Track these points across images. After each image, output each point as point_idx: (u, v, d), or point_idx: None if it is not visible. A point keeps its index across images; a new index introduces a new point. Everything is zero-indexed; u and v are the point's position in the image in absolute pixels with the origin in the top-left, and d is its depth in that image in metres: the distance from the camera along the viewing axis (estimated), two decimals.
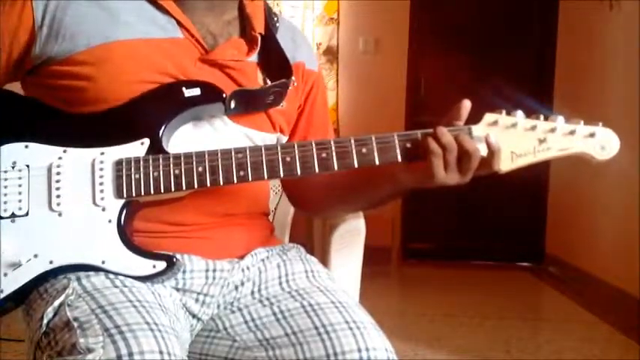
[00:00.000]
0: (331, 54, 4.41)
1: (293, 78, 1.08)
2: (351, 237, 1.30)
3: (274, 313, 0.98)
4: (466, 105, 0.95)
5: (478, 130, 0.94)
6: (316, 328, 0.93)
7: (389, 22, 4.34)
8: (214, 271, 1.01)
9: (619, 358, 2.65)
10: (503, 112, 0.95)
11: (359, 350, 0.89)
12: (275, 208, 1.46)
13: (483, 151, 0.94)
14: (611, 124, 0.96)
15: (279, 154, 0.95)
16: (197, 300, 1.01)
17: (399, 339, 2.66)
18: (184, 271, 0.99)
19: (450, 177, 0.94)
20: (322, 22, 4.40)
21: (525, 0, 4.36)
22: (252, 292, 1.04)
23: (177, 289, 1.00)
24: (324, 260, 1.25)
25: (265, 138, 1.08)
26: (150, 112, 0.96)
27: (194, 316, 1.02)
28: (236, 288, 1.04)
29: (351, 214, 1.29)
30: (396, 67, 4.34)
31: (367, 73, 4.37)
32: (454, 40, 4.37)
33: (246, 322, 1.00)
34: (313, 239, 1.70)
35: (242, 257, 1.05)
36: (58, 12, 0.97)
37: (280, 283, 1.05)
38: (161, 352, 0.80)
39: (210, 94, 0.99)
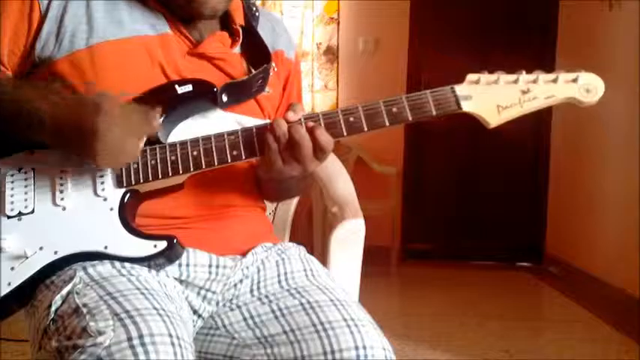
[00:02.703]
0: (331, 54, 4.41)
1: (273, 64, 1.12)
2: (351, 237, 1.30)
3: (273, 311, 0.99)
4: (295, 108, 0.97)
5: (462, 89, 0.97)
6: (314, 325, 0.93)
7: (389, 22, 4.34)
8: (217, 267, 1.03)
9: (619, 358, 2.65)
10: (485, 71, 0.98)
11: (356, 348, 0.90)
12: (275, 208, 1.47)
13: (468, 107, 0.96)
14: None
15: None
16: (199, 294, 1.02)
17: (399, 339, 2.67)
18: (188, 264, 1.00)
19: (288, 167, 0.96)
20: (322, 22, 4.40)
21: (525, 0, 4.36)
22: (252, 290, 1.04)
23: (181, 281, 1.01)
24: (324, 260, 1.25)
25: (256, 123, 1.10)
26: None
27: (195, 312, 1.03)
28: (235, 285, 1.04)
29: (352, 214, 1.29)
30: (396, 67, 4.34)
31: (367, 73, 4.37)
32: (454, 39, 4.37)
33: (245, 319, 1.00)
34: (313, 239, 1.71)
35: (244, 254, 1.07)
36: (60, 9, 1.00)
37: (279, 281, 1.05)
38: (170, 336, 0.81)
39: (202, 90, 1.02)
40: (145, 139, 0.94)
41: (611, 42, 3.48)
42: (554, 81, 0.96)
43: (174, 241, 0.95)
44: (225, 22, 1.11)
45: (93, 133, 0.86)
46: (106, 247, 0.94)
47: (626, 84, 3.14)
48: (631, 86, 3.09)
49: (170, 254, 0.95)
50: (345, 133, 0.96)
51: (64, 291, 0.88)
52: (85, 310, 0.84)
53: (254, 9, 1.17)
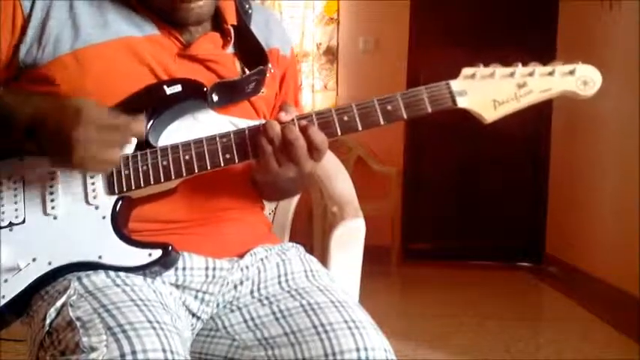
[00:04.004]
0: (331, 54, 4.42)
1: (270, 65, 1.09)
2: (351, 237, 1.29)
3: (274, 313, 0.99)
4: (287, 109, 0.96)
5: (456, 84, 0.95)
6: (315, 327, 0.93)
7: (389, 22, 4.34)
8: (214, 269, 1.02)
9: (619, 358, 2.65)
10: (481, 65, 0.95)
11: (357, 350, 0.89)
12: (275, 208, 1.46)
13: (463, 103, 0.94)
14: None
15: None
16: (196, 297, 1.02)
17: (399, 339, 2.65)
18: (184, 268, 0.99)
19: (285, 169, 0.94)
20: (322, 22, 4.40)
21: (525, 0, 4.36)
22: (252, 292, 1.04)
23: (177, 286, 1.00)
24: (324, 260, 1.25)
25: (249, 125, 1.08)
26: (134, 114, 0.96)
27: (193, 314, 1.02)
28: (235, 287, 1.04)
29: (352, 214, 1.29)
30: (396, 67, 4.34)
31: (367, 73, 4.37)
32: (454, 39, 4.36)
33: (245, 321, 1.00)
34: (313, 239, 1.70)
35: (241, 256, 1.06)
36: (43, 14, 0.98)
37: (280, 283, 1.05)
38: (164, 351, 0.80)
39: (192, 89, 1.00)
40: (131, 144, 0.94)
41: (611, 42, 3.48)
42: (551, 74, 0.93)
43: (169, 248, 0.93)
44: (217, 21, 1.09)
45: (71, 142, 0.86)
46: (100, 257, 0.92)
47: (626, 84, 3.14)
48: (631, 86, 3.09)
49: (165, 262, 0.94)
50: (339, 133, 0.94)
51: (59, 303, 0.87)
52: (78, 324, 0.83)
53: (247, 6, 1.14)
